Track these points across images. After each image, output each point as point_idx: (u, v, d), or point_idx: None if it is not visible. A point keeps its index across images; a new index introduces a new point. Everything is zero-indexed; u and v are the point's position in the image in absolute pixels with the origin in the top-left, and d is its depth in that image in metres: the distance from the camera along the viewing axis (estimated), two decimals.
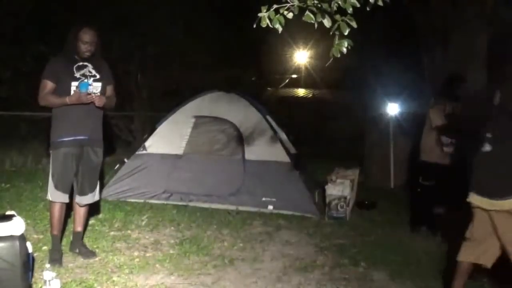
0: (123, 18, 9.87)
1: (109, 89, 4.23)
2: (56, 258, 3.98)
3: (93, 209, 5.19)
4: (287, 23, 2.62)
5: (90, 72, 4.05)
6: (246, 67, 13.80)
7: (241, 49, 12.74)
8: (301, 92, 21.76)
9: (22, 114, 10.17)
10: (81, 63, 4.03)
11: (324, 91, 20.12)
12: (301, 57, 17.79)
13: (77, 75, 3.99)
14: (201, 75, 11.07)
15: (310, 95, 21.22)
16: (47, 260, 3.93)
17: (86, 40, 3.97)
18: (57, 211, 4.09)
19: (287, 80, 19.63)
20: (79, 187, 4.18)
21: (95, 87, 4.04)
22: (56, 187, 4.07)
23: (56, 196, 4.08)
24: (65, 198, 4.11)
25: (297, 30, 10.73)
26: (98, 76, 4.08)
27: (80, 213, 4.26)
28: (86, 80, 3.98)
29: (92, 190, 4.23)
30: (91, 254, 4.18)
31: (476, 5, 6.56)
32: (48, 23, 9.70)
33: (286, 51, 16.48)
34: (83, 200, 4.22)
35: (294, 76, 20.16)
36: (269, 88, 18.71)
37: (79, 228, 4.27)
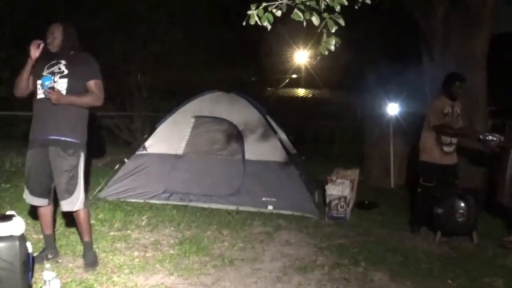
0: (123, 18, 9.88)
1: (91, 85, 3.88)
2: (44, 255, 3.93)
3: (93, 209, 5.20)
4: (288, 22, 2.62)
5: (59, 69, 3.86)
6: (246, 67, 13.81)
7: (241, 49, 12.74)
8: (301, 92, 21.79)
9: (22, 114, 10.18)
10: (54, 61, 3.90)
11: (324, 91, 20.15)
12: (301, 57, 17.76)
13: (45, 73, 3.84)
14: (201, 75, 11.08)
15: (310, 95, 21.25)
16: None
17: (48, 33, 3.91)
18: (39, 213, 4.01)
19: (287, 80, 19.62)
20: (57, 190, 3.87)
21: (60, 84, 3.80)
22: (26, 187, 3.93)
23: (28, 198, 3.97)
24: (32, 200, 3.94)
25: (297, 30, 10.74)
26: (65, 73, 3.83)
27: (77, 220, 3.96)
28: (50, 76, 3.78)
29: (69, 194, 3.81)
30: (91, 265, 3.88)
31: (476, 6, 6.56)
32: (48, 23, 9.70)
33: (286, 51, 16.44)
34: (62, 206, 3.87)
35: (294, 76, 20.14)
36: (269, 88, 18.71)
37: (84, 238, 3.98)
